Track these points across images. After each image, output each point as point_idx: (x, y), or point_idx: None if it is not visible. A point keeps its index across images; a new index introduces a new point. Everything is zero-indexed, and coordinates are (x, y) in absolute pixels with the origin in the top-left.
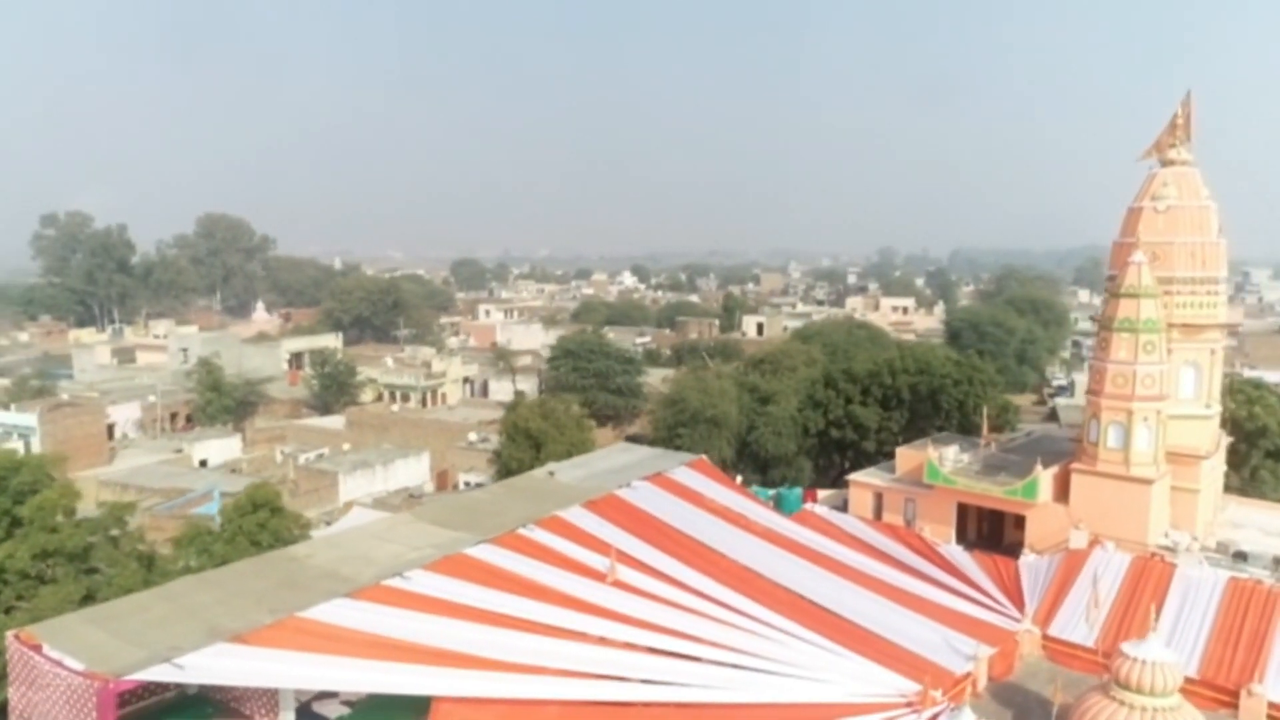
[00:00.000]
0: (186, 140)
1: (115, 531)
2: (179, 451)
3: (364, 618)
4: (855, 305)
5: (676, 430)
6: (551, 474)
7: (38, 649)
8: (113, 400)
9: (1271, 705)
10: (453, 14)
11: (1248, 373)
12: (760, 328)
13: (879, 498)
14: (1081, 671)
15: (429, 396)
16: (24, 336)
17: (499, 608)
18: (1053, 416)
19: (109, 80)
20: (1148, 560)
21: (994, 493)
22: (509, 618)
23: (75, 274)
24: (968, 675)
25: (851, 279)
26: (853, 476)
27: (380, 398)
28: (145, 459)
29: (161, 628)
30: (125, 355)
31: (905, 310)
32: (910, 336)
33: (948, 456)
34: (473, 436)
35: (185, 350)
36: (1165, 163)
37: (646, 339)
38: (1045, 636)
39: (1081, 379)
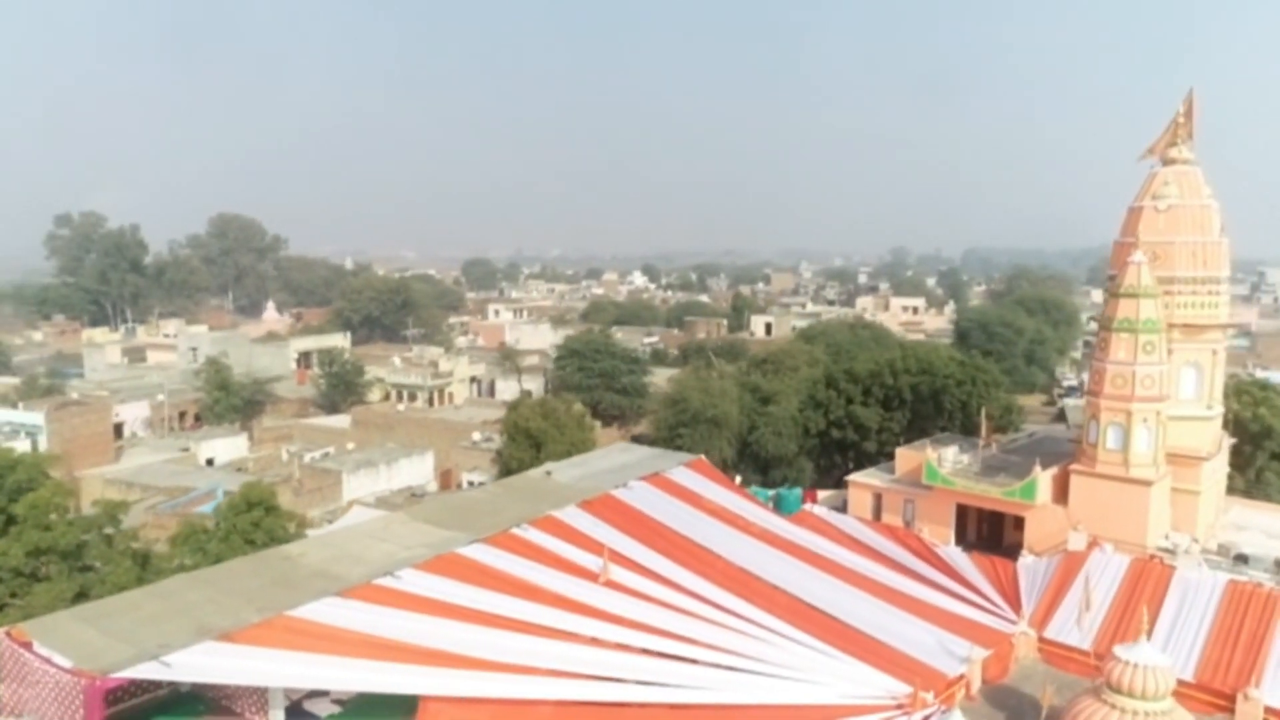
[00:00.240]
0: (195, 141)
1: (109, 529)
2: (185, 450)
3: (354, 616)
4: (865, 305)
5: (678, 430)
6: (548, 474)
7: (28, 646)
8: (122, 399)
9: (1268, 709)
10: (465, 12)
11: (1258, 373)
12: (769, 327)
13: (878, 499)
14: (1077, 675)
15: (436, 396)
16: (38, 336)
17: (490, 607)
18: (1061, 417)
19: (113, 81)
20: (1146, 562)
21: (993, 494)
22: (500, 617)
23: (89, 274)
24: (961, 677)
25: (863, 279)
26: (852, 477)
27: (387, 397)
28: (151, 457)
29: (152, 626)
30: (136, 354)
31: (915, 310)
32: (919, 336)
33: (947, 457)
34: (476, 436)
35: (195, 349)
36: (1166, 161)
37: (654, 339)
38: (1041, 639)
39: None
